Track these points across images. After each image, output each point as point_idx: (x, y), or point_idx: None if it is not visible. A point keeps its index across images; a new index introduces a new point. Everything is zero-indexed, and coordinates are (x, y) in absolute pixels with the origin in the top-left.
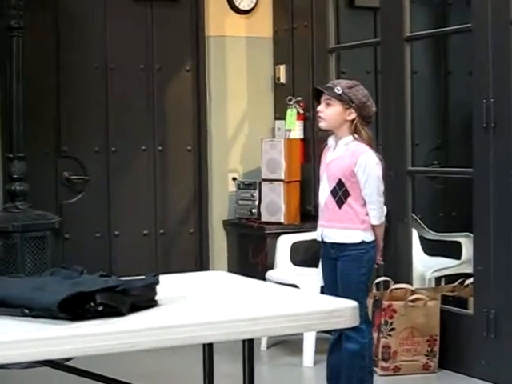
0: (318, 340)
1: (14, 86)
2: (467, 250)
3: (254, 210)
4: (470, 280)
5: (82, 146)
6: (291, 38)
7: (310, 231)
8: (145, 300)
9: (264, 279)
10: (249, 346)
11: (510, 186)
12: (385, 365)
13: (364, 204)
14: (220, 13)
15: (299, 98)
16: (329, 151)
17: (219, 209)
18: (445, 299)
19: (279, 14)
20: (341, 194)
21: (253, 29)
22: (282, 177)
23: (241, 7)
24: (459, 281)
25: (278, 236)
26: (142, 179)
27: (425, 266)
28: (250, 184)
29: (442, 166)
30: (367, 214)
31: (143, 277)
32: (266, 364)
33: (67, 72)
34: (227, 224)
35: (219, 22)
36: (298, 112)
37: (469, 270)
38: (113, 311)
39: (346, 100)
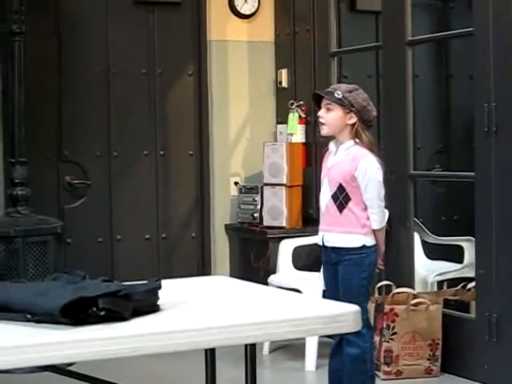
0: (321, 344)
1: (15, 91)
2: (469, 254)
3: (255, 215)
4: (472, 284)
5: (83, 151)
6: (293, 42)
7: (312, 235)
8: (147, 305)
9: (266, 284)
10: (251, 350)
11: (511, 189)
12: (387, 369)
13: (365, 208)
14: (222, 17)
15: (301, 102)
16: (330, 156)
17: (221, 213)
18: (447, 303)
19: (281, 18)
20: (342, 198)
21: (254, 33)
22: (284, 181)
23: (242, 11)
24: (461, 285)
25: (280, 240)
26: (144, 184)
27: (427, 269)
28: (252, 188)
29: (444, 169)
30: (368, 219)
31: (145, 281)
32: (269, 368)
33: (69, 76)
34: (229, 228)
35: (221, 27)
36: (299, 116)
37: (471, 273)
38: (115, 316)
39: (346, 104)
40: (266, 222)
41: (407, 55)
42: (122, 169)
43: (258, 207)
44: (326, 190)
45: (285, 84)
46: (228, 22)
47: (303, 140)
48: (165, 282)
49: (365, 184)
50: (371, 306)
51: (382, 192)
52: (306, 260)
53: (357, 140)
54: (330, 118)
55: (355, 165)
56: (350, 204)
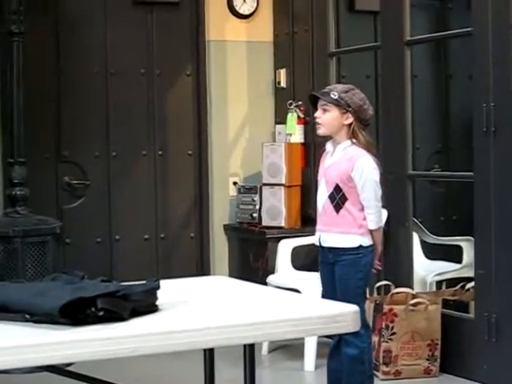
0: (319, 344)
1: (14, 91)
2: (468, 254)
3: (254, 215)
4: (471, 284)
5: (82, 151)
6: (291, 42)
7: (311, 235)
8: (146, 305)
9: (265, 284)
10: (250, 350)
11: (510, 189)
12: (386, 369)
13: (362, 209)
14: (220, 17)
15: (300, 103)
16: (327, 156)
17: (220, 213)
18: (446, 303)
19: (279, 19)
20: (338, 198)
21: (253, 33)
22: (283, 181)
23: (241, 12)
24: (460, 285)
25: (279, 240)
26: (143, 184)
27: (426, 269)
28: (251, 188)
29: (443, 169)
30: (365, 219)
31: (144, 282)
32: (268, 368)
33: (67, 77)
34: (228, 228)
35: (219, 27)
36: (298, 116)
37: (470, 273)
38: (114, 316)
39: (342, 105)
40: (264, 222)
41: (406, 55)
42: (120, 169)
43: (257, 207)
44: (323, 191)
45: (283, 84)
46: (227, 22)
47: (302, 140)
48: (163, 282)
49: (361, 184)
50: (370, 306)
51: (379, 192)
52: (305, 260)
53: (354, 140)
54: (327, 118)
55: (352, 165)
56: (347, 204)
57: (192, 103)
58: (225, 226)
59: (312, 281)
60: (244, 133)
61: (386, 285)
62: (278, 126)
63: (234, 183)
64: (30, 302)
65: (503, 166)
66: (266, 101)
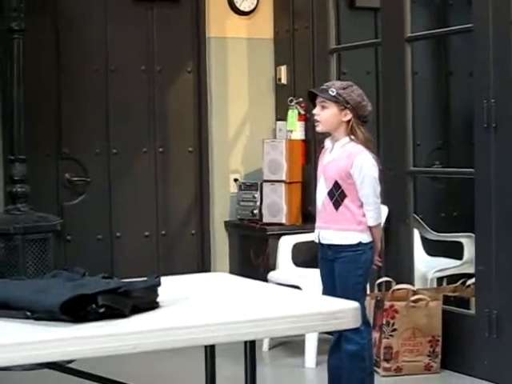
0: (320, 341)
1: (14, 88)
2: (469, 250)
3: (255, 211)
4: (472, 280)
5: (83, 148)
6: (292, 39)
7: (312, 232)
8: (146, 302)
9: (266, 280)
10: (251, 347)
11: (511, 185)
12: (387, 365)
13: (361, 205)
14: (221, 14)
15: (300, 99)
16: (326, 153)
17: (221, 210)
18: (447, 299)
19: (280, 15)
20: (337, 195)
21: (254, 30)
22: (284, 178)
23: (242, 8)
24: (461, 281)
25: (280, 237)
26: (144, 181)
27: (427, 266)
28: (252, 185)
29: (444, 166)
30: (364, 216)
31: (145, 278)
32: (268, 365)
33: (68, 74)
34: (229, 225)
35: (220, 24)
36: (299, 113)
37: (470, 270)
38: (115, 313)
39: (341, 101)
40: (265, 219)
41: (406, 52)
42: (121, 166)
43: (258, 204)
44: (322, 188)
45: (284, 81)
46: (227, 19)
47: (303, 137)
48: (164, 279)
49: (360, 181)
50: (371, 303)
51: (378, 189)
52: (306, 256)
53: (352, 137)
54: (325, 115)
55: (351, 162)
56: (346, 201)
57: (192, 100)
58: (225, 222)
59: (312, 277)
60: (244, 129)
61: (386, 281)
62: (279, 123)
63: (235, 180)
64: (30, 299)
65: (504, 162)
66: (267, 97)
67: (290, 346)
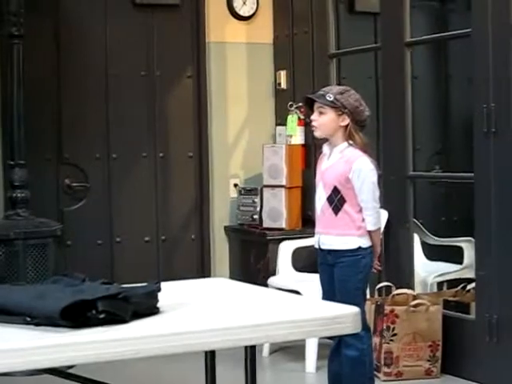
0: (320, 346)
1: (14, 93)
2: (469, 255)
3: (255, 216)
4: (472, 285)
5: (83, 153)
6: (292, 43)
7: (312, 237)
8: (147, 307)
9: (266, 285)
10: (251, 352)
11: (510, 190)
12: (387, 370)
13: (360, 210)
14: (220, 19)
15: (300, 104)
16: (324, 159)
17: (221, 215)
18: (447, 304)
19: (279, 20)
20: (337, 201)
21: (253, 35)
22: (284, 182)
23: (241, 13)
24: (461, 286)
25: (280, 242)
26: (143, 186)
27: (427, 271)
28: (252, 190)
29: (444, 170)
30: (363, 220)
31: (145, 284)
32: (269, 370)
33: (68, 79)
34: (229, 230)
35: (220, 29)
36: (298, 118)
37: (471, 274)
38: (115, 319)
39: (338, 106)
40: (265, 224)
41: (406, 56)
42: (121, 171)
43: (258, 209)
44: (321, 194)
45: (284, 86)
46: (227, 24)
47: (302, 142)
48: (164, 285)
49: (359, 186)
50: (371, 308)
51: (377, 193)
52: (306, 261)
53: (350, 142)
54: (323, 121)
55: (349, 167)
56: (346, 206)
57: (192, 105)
58: (225, 227)
59: (313, 282)
60: (244, 134)
61: (386, 286)
62: (279, 128)
63: (235, 185)
64: (30, 305)
65: (503, 166)
66: (267, 102)
67: (291, 351)
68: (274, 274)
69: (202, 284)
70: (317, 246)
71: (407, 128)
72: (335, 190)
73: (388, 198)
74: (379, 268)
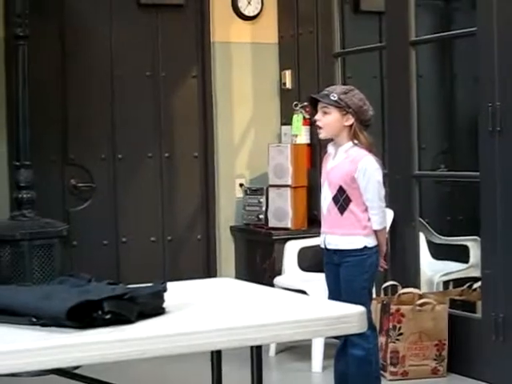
0: (327, 345)
1: (20, 94)
2: (475, 254)
3: (261, 216)
4: (478, 284)
5: (88, 154)
6: (297, 43)
7: (318, 236)
8: (152, 308)
9: (272, 285)
10: (257, 352)
11: None
12: (393, 369)
13: (366, 209)
14: (225, 19)
15: (305, 104)
16: (329, 159)
17: (226, 215)
18: (453, 303)
19: (284, 20)
20: (342, 200)
21: (258, 35)
22: (289, 182)
23: (246, 13)
24: (467, 285)
25: (286, 241)
26: (149, 186)
27: (432, 270)
28: (257, 190)
29: (449, 169)
30: (369, 220)
31: (151, 284)
32: (275, 370)
33: (73, 80)
34: (235, 230)
35: (225, 29)
36: (304, 117)
37: (477, 273)
38: (120, 319)
39: (342, 106)
40: (271, 224)
41: (411, 55)
42: (127, 171)
43: (263, 209)
44: (326, 193)
45: (289, 85)
46: (231, 24)
47: (308, 141)
48: (170, 285)
49: (364, 185)
50: (377, 307)
51: (382, 192)
52: (312, 261)
53: (355, 141)
54: (327, 121)
55: (355, 166)
56: (351, 206)
57: (197, 105)
58: (231, 227)
59: (318, 282)
60: (250, 134)
61: (392, 285)
62: (284, 127)
63: (240, 185)
64: (36, 305)
65: (509, 165)
66: (272, 102)
67: (297, 350)
68: (279, 273)
69: (208, 284)
70: (322, 246)
71: (412, 127)
72: (341, 190)
73: (394, 197)
74: (385, 267)
